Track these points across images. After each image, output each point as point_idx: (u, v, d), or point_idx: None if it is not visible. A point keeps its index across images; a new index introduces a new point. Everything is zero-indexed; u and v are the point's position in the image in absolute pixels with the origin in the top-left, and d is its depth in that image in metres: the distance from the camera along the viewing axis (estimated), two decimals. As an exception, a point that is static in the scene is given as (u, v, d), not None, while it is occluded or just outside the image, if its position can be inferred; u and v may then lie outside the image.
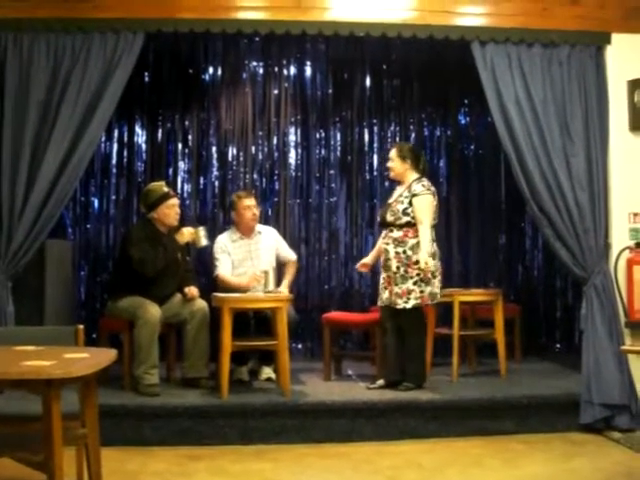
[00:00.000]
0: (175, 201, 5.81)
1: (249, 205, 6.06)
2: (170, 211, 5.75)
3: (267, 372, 5.89)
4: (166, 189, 5.82)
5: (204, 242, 5.78)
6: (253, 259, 6.07)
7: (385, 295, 5.56)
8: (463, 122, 8.01)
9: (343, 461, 4.65)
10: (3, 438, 3.25)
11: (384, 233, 5.63)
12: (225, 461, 4.62)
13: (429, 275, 5.40)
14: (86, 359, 3.00)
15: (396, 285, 5.45)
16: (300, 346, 7.39)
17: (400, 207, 5.48)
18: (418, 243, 5.43)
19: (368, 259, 5.97)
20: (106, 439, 3.56)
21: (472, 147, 7.92)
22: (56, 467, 2.79)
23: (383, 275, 5.61)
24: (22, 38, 5.43)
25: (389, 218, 5.50)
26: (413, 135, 7.81)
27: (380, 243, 5.76)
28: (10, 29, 5.42)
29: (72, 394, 3.36)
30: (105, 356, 3.11)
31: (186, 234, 5.75)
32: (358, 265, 6.00)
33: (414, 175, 5.64)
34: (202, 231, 5.76)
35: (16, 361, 2.94)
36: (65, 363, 2.92)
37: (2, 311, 5.26)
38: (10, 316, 5.29)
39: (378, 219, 5.76)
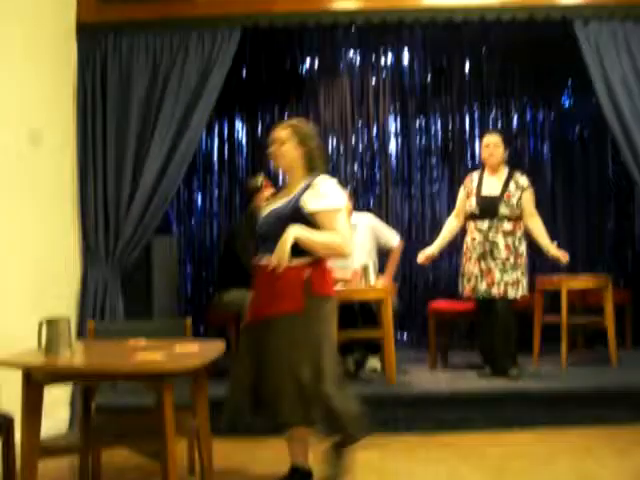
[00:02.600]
0: (270, 192, 5.85)
1: None
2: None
3: (373, 362, 5.87)
4: (260, 182, 5.88)
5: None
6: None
7: (482, 287, 5.49)
8: (567, 104, 7.79)
9: (451, 451, 4.59)
10: (119, 429, 3.34)
11: (487, 224, 5.50)
12: (332, 451, 4.63)
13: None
14: (196, 352, 3.05)
15: (505, 273, 5.42)
16: (406, 336, 7.36)
17: (514, 200, 5.48)
18: (523, 235, 5.52)
19: (433, 250, 5.82)
20: (216, 429, 3.60)
21: (577, 130, 7.69)
22: (170, 457, 2.84)
23: (480, 266, 5.50)
24: (122, 39, 5.56)
25: (504, 211, 5.44)
26: (515, 119, 7.65)
27: (472, 235, 5.61)
28: (110, 31, 5.56)
29: (181, 386, 3.41)
30: (214, 348, 3.15)
31: None
32: (422, 257, 5.81)
33: (505, 165, 5.64)
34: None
35: (130, 355, 3.01)
36: (177, 356, 2.98)
37: (112, 306, 5.42)
38: (120, 311, 5.45)
39: (477, 211, 5.57)
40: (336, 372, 3.63)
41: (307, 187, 3.65)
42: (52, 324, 3.02)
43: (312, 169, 3.75)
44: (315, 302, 3.55)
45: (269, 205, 3.83)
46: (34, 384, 2.91)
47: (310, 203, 3.60)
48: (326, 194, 3.64)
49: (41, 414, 2.94)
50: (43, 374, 2.93)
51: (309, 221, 3.57)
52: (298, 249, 3.49)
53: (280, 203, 3.70)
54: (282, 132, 3.80)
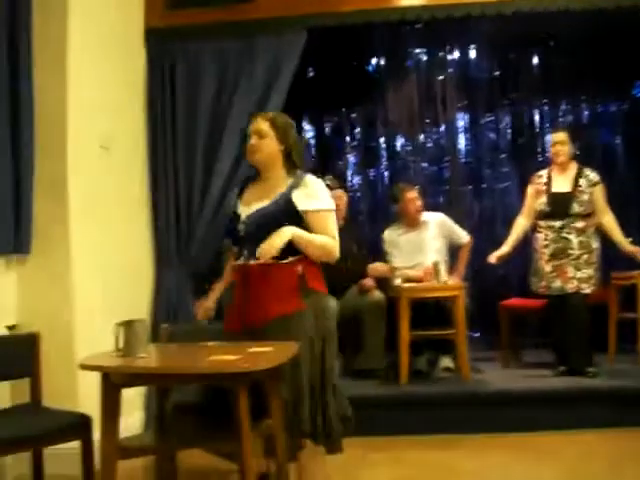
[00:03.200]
0: (337, 193, 5.82)
1: (412, 198, 6.00)
2: None
3: (445, 362, 5.84)
4: (327, 182, 5.85)
5: (398, 281, 5.59)
6: (422, 249, 6.01)
7: (556, 284, 5.42)
8: (640, 94, 7.61)
9: (526, 451, 4.53)
10: (194, 429, 3.38)
11: (559, 223, 5.43)
12: (405, 451, 4.62)
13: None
14: (270, 352, 3.06)
15: (579, 270, 5.36)
16: (478, 334, 7.29)
17: (585, 197, 5.41)
18: (595, 230, 5.46)
19: (505, 251, 5.75)
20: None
21: (651, 121, 7.49)
22: (246, 457, 2.86)
23: (554, 264, 5.45)
24: (189, 44, 5.62)
25: (577, 209, 5.38)
26: (586, 113, 7.50)
27: (544, 233, 5.54)
28: (177, 39, 5.63)
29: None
30: (288, 349, 3.16)
31: (377, 268, 5.76)
32: (493, 258, 5.74)
33: (573, 161, 5.58)
34: (397, 272, 5.62)
35: (204, 356, 3.04)
36: (250, 357, 2.99)
37: (185, 309, 5.47)
38: (193, 314, 5.50)
39: (548, 209, 5.52)
40: (335, 373, 3.58)
41: (295, 185, 3.52)
42: (129, 326, 3.07)
43: (292, 166, 3.58)
44: (312, 298, 3.46)
45: (248, 205, 3.57)
46: (112, 386, 2.96)
47: (302, 202, 3.48)
48: (318, 194, 3.54)
49: (119, 415, 2.98)
50: (120, 376, 2.98)
51: (299, 220, 3.46)
52: (290, 248, 3.38)
53: (264, 202, 3.51)
54: (262, 124, 3.56)
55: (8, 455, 3.83)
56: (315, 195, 3.53)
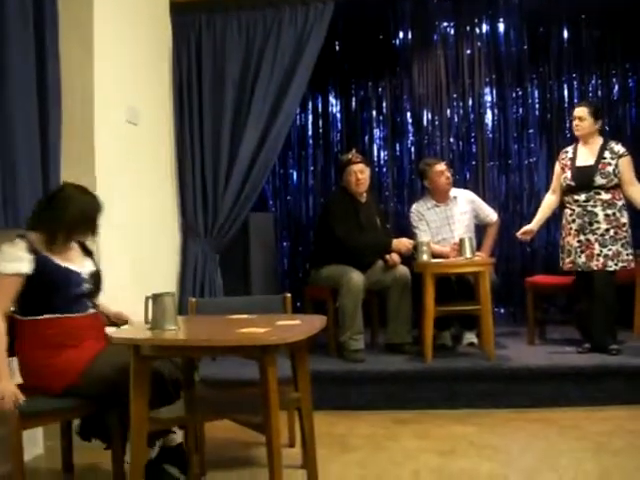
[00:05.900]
0: (355, 167, 5.78)
1: (441, 170, 5.97)
2: (351, 178, 5.79)
3: (469, 337, 5.85)
4: (349, 156, 5.86)
5: (424, 257, 5.42)
6: (450, 225, 5.99)
7: (581, 259, 5.38)
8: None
9: (549, 426, 4.53)
10: (224, 401, 3.41)
11: (584, 196, 5.39)
12: (430, 425, 4.64)
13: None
14: (298, 326, 3.08)
15: (605, 247, 5.30)
16: (502, 310, 7.28)
17: (610, 169, 5.32)
18: (624, 204, 5.36)
19: (533, 225, 5.71)
20: (314, 403, 3.64)
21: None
22: (274, 429, 2.89)
23: (579, 238, 5.40)
24: (215, 19, 5.63)
25: (600, 181, 5.32)
26: (616, 88, 7.41)
27: (570, 207, 5.50)
28: (203, 11, 5.65)
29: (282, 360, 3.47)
30: (316, 322, 3.18)
31: (403, 243, 5.73)
32: (520, 233, 5.69)
33: (599, 135, 5.49)
34: (424, 247, 5.47)
35: (232, 329, 3.07)
36: (279, 330, 3.02)
37: (212, 282, 5.52)
38: (219, 287, 5.55)
39: (573, 183, 5.46)
40: None
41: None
42: (158, 299, 3.10)
43: None
44: None
45: (70, 262, 3.44)
46: (142, 358, 3.00)
47: None
48: None
49: (149, 387, 3.02)
50: (150, 348, 3.01)
51: None
52: None
53: (85, 264, 3.52)
54: None
55: (39, 427, 3.92)
56: None
